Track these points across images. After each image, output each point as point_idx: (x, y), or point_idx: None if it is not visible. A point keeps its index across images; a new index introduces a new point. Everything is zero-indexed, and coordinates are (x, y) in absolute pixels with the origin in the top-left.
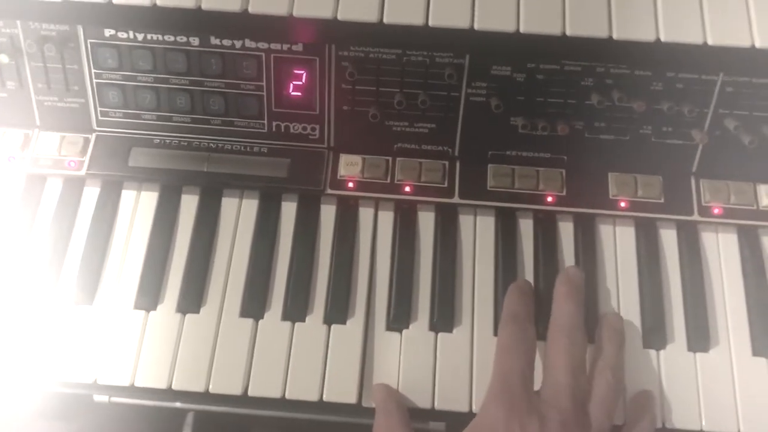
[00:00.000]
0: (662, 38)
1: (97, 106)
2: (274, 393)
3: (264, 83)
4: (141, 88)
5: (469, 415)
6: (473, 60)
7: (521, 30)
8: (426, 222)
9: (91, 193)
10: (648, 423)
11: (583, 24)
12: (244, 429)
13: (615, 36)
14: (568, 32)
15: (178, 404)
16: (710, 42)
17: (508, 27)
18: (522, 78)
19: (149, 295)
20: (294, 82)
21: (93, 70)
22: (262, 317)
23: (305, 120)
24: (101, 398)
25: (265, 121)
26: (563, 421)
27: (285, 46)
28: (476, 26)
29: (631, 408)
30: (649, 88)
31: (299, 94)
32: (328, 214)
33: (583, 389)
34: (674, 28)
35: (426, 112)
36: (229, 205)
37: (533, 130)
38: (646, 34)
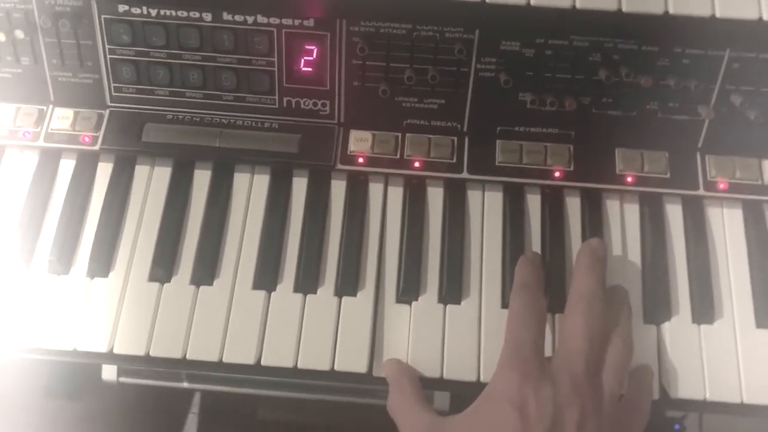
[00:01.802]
0: (671, 10)
1: (111, 81)
2: (287, 363)
3: (275, 59)
4: (154, 63)
5: (477, 385)
6: (483, 35)
7: (532, 3)
8: (435, 197)
9: (105, 168)
10: (645, 396)
11: None
12: (250, 410)
13: (624, 9)
14: (578, 5)
15: (185, 384)
16: (718, 14)
17: (520, 1)
18: (531, 53)
19: (164, 267)
20: (305, 58)
21: (107, 46)
22: (275, 289)
23: (316, 96)
24: (109, 377)
25: (277, 97)
26: (576, 385)
27: (296, 22)
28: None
29: (630, 382)
30: (656, 63)
31: (310, 69)
32: (338, 189)
33: (597, 357)
34: (684, 1)
35: (435, 88)
36: (241, 180)
37: (541, 105)
38: (655, 6)
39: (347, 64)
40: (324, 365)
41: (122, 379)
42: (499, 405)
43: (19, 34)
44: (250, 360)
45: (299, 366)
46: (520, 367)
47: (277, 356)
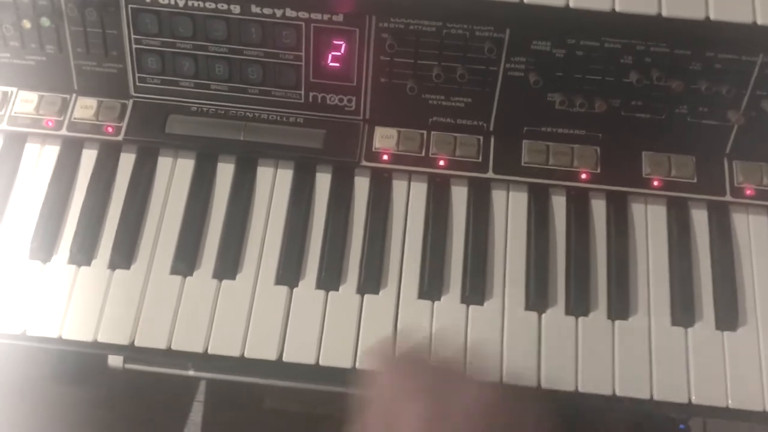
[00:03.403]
0: (712, 16)
1: (136, 71)
2: (308, 359)
3: (303, 53)
4: (180, 55)
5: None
6: (513, 34)
7: (571, 5)
8: (459, 196)
9: (127, 159)
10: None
11: (634, 0)
12: (256, 398)
13: (665, 14)
14: (618, 8)
15: (191, 372)
16: (759, 21)
17: (558, 2)
18: (561, 54)
19: (186, 261)
20: (333, 53)
21: (133, 36)
22: (297, 285)
23: (342, 91)
24: (115, 364)
25: (302, 92)
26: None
27: (325, 16)
28: (527, 0)
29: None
30: (688, 67)
31: (337, 65)
32: (362, 185)
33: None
34: (724, 7)
35: (463, 86)
36: (264, 174)
37: (570, 106)
38: (695, 12)
39: (375, 60)
40: (346, 363)
41: (128, 366)
42: None
43: (45, 21)
44: (272, 356)
45: (321, 363)
46: None
47: (299, 353)
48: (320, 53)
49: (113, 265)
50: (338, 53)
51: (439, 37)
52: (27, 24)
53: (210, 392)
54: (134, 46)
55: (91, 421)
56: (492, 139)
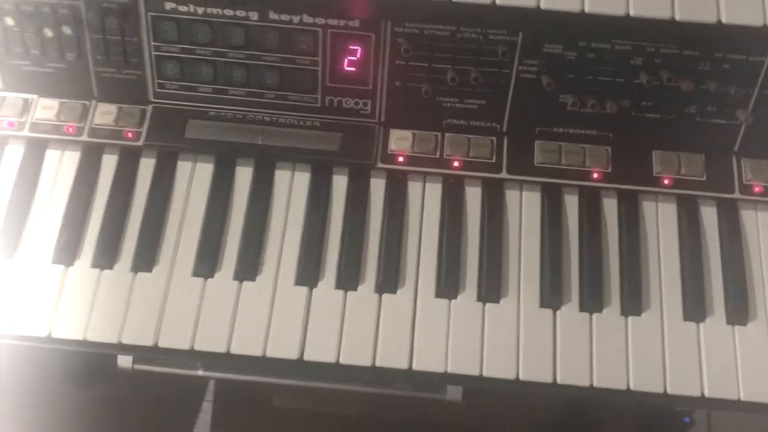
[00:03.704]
0: (724, 20)
1: (155, 78)
2: (329, 358)
3: (319, 58)
4: (199, 61)
5: (516, 383)
6: (526, 38)
7: (586, 10)
8: (473, 196)
9: (148, 163)
10: None
11: (647, 4)
12: (265, 398)
13: (678, 17)
14: (632, 13)
15: (200, 372)
16: None
17: (574, 7)
18: (573, 56)
19: (207, 263)
20: (349, 58)
21: (152, 43)
22: (316, 286)
23: (358, 95)
24: (125, 364)
25: (319, 96)
26: None
27: (342, 22)
28: (542, 6)
29: None
30: (697, 68)
31: (353, 69)
32: (378, 187)
33: None
34: (736, 10)
35: (477, 89)
36: (282, 177)
37: (582, 107)
38: (707, 16)
39: (390, 64)
40: (366, 361)
41: (137, 366)
42: None
43: (66, 30)
44: (293, 355)
45: (341, 362)
46: None
47: (320, 352)
48: (336, 58)
49: (136, 269)
50: (354, 58)
51: (453, 41)
52: (48, 33)
53: (219, 392)
54: (154, 53)
55: (100, 422)
56: (505, 140)
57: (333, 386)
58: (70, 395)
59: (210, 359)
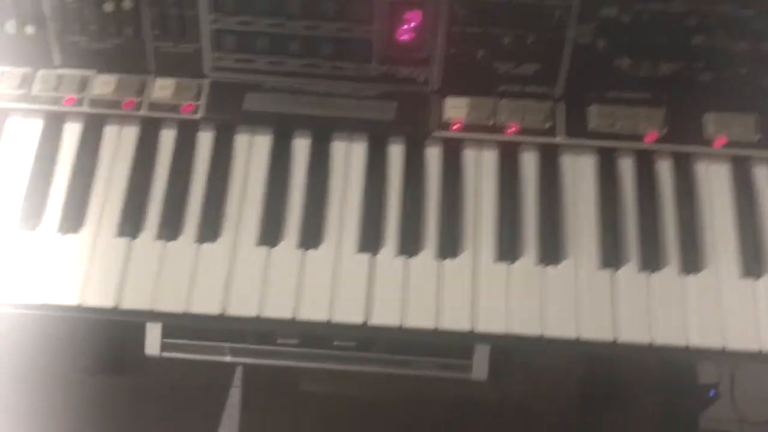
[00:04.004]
0: None
1: (212, 51)
2: (393, 321)
3: (376, 27)
4: (256, 33)
5: (577, 343)
6: (582, 1)
7: None
8: (529, 161)
9: (206, 137)
10: None
11: None
12: (292, 382)
13: None
14: None
15: (228, 358)
16: None
17: None
18: (628, 19)
19: (271, 233)
20: (405, 26)
21: (210, 15)
22: (378, 252)
23: (413, 63)
24: (152, 352)
25: (375, 65)
26: None
27: None
28: None
29: None
30: (752, 28)
31: (410, 37)
32: (434, 155)
33: None
34: None
35: (532, 54)
36: (338, 147)
37: (636, 70)
38: None
39: (447, 31)
40: (429, 324)
41: (165, 354)
42: None
43: (126, 3)
44: (358, 319)
45: (404, 325)
46: None
47: (385, 315)
48: (394, 27)
49: (201, 239)
50: (411, 26)
51: (510, 6)
52: (108, 7)
53: (247, 378)
54: (211, 25)
55: (129, 411)
56: (560, 105)
57: (359, 368)
58: (98, 384)
59: (276, 325)
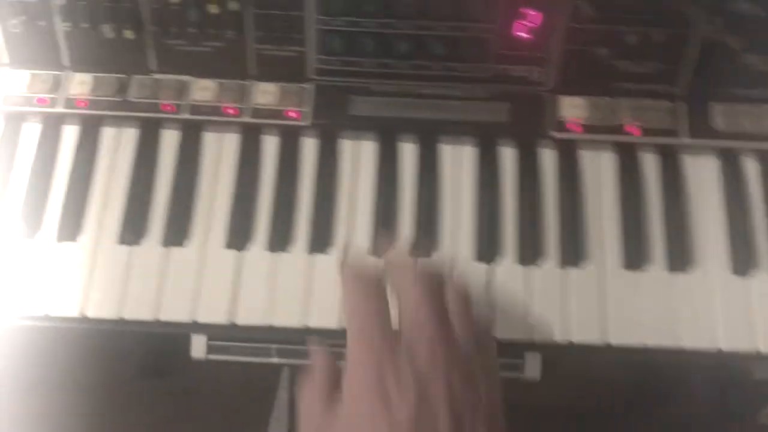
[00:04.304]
0: None
1: (317, 54)
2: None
3: (493, 25)
4: (364, 34)
5: (606, 348)
6: None
7: None
8: (650, 163)
9: (310, 143)
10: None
11: None
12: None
13: None
14: None
15: (275, 359)
16: None
17: None
18: (761, 12)
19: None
20: (524, 23)
21: (317, 16)
22: (494, 261)
23: (529, 62)
24: (198, 355)
25: (488, 65)
26: (431, 350)
27: None
28: None
29: None
30: None
31: (527, 35)
32: (549, 158)
33: (442, 314)
34: None
35: (656, 50)
36: (448, 151)
37: (766, 66)
38: None
39: (567, 27)
40: (521, 335)
41: (211, 356)
42: (361, 400)
43: (233, 5)
44: None
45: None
46: (370, 355)
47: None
48: (511, 24)
49: (312, 251)
50: (530, 23)
51: (635, 1)
52: (214, 9)
53: (294, 378)
54: (317, 26)
55: (174, 414)
56: (681, 104)
57: None
58: (143, 388)
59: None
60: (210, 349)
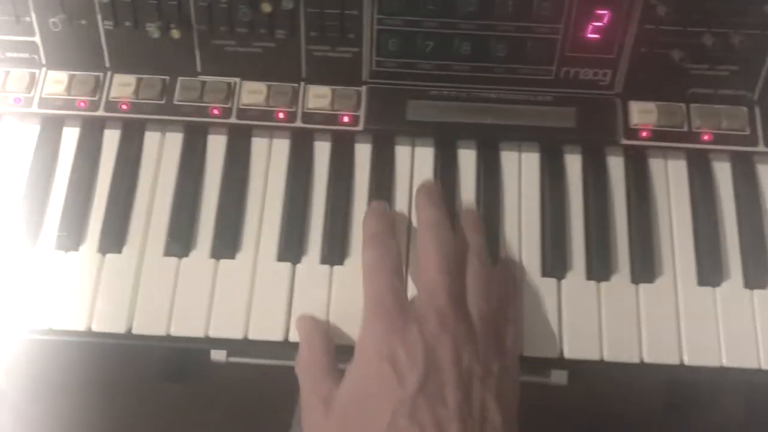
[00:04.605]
0: None
1: (374, 55)
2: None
3: (561, 25)
4: (424, 34)
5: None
6: None
7: None
8: (723, 172)
9: (364, 149)
10: (514, 291)
11: None
12: None
13: None
14: None
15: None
16: None
17: None
18: None
19: None
20: (594, 23)
21: (375, 16)
22: (565, 277)
23: (597, 65)
24: (218, 358)
25: (554, 67)
26: (441, 318)
27: None
28: None
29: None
30: None
31: (597, 36)
32: (617, 165)
33: (458, 283)
34: None
35: (732, 53)
36: (509, 158)
37: None
38: None
39: (639, 29)
40: (552, 353)
41: (231, 359)
42: (370, 363)
43: (287, 3)
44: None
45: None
46: (381, 317)
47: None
48: (580, 24)
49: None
50: (600, 23)
51: (714, 1)
52: (266, 7)
53: None
54: (376, 26)
55: (196, 417)
56: (757, 110)
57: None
58: (164, 391)
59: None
60: (231, 352)
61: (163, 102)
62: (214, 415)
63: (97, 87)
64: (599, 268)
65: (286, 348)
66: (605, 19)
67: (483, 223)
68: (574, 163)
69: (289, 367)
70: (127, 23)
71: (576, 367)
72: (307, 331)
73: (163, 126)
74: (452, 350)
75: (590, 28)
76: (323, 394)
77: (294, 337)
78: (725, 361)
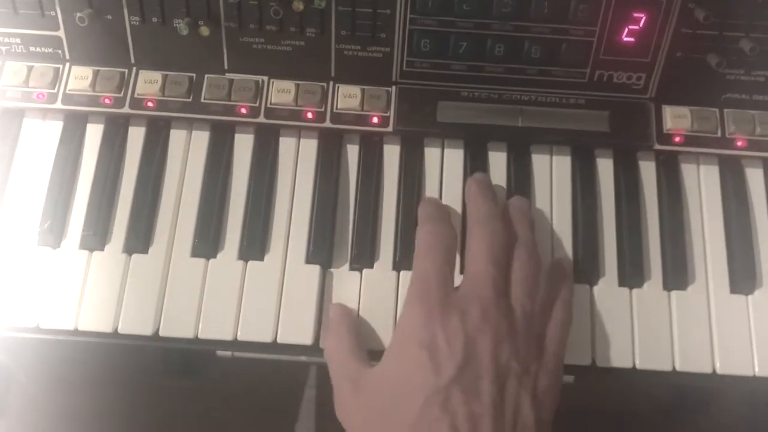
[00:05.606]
0: None
1: (405, 55)
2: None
3: (597, 28)
4: (457, 35)
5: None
6: None
7: None
8: (756, 178)
9: (392, 150)
10: (566, 292)
11: None
12: None
13: None
14: None
15: (303, 357)
16: None
17: None
18: None
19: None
20: (630, 27)
21: (408, 15)
22: (597, 284)
23: (632, 68)
24: (224, 354)
25: (588, 70)
26: (484, 311)
27: None
28: None
29: (547, 283)
30: None
31: (633, 39)
32: (649, 170)
33: (503, 276)
34: None
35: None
36: (541, 161)
37: None
38: None
39: (675, 32)
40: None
41: (237, 354)
42: (408, 346)
43: (319, 2)
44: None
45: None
46: (425, 301)
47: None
48: (616, 27)
49: (398, 268)
50: (636, 27)
51: (753, 5)
52: (300, 6)
53: (321, 376)
54: (409, 26)
55: (202, 412)
56: None
57: None
58: (169, 386)
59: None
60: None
61: (189, 100)
62: (220, 411)
63: (122, 83)
64: (632, 275)
65: (315, 351)
66: (641, 23)
67: (532, 214)
68: (606, 167)
69: (295, 363)
70: (155, 19)
71: (606, 375)
72: (338, 314)
73: (190, 124)
74: (492, 344)
75: (626, 31)
76: (351, 375)
77: (322, 342)
78: (757, 371)
